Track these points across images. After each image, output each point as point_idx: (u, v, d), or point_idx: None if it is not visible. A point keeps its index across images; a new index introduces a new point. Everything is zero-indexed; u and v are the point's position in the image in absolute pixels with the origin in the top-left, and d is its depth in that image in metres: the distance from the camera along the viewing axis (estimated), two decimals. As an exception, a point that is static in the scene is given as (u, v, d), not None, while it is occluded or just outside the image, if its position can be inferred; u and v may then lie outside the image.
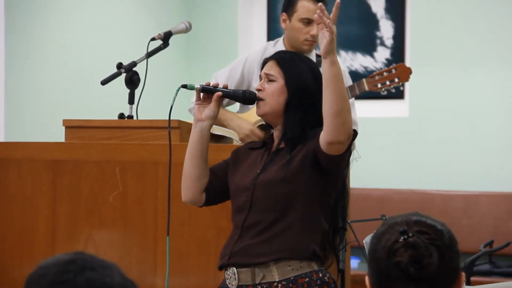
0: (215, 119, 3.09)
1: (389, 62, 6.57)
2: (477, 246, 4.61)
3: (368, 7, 6.65)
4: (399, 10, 6.57)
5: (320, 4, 2.90)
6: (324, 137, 2.84)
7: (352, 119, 2.86)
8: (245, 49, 6.78)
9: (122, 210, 3.60)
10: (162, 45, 3.84)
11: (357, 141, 4.52)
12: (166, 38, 3.84)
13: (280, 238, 2.91)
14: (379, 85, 4.01)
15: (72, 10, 6.03)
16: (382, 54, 6.61)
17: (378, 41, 6.62)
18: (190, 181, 3.10)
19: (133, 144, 3.63)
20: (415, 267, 1.90)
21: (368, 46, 6.64)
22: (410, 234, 1.92)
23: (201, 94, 3.07)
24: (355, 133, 2.91)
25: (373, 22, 6.63)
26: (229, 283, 2.97)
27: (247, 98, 3.10)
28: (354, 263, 5.98)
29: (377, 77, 4.01)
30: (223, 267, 3.01)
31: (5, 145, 4.24)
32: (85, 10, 6.13)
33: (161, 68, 5.19)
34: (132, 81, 3.71)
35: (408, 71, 4.00)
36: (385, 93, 4.11)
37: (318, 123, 2.94)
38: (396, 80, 4.01)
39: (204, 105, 3.07)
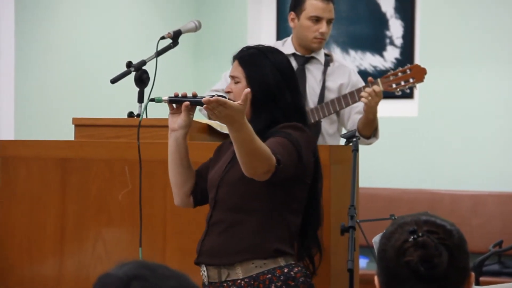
0: (189, 127, 3.10)
1: (398, 62, 6.56)
2: (486, 246, 4.60)
3: (377, 6, 6.64)
4: (408, 9, 6.55)
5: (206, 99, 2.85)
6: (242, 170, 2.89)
7: (268, 157, 2.84)
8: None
9: (131, 208, 3.60)
10: (171, 44, 3.84)
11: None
12: (175, 37, 3.84)
13: (242, 239, 2.99)
14: (394, 85, 4.01)
15: (81, 9, 6.04)
16: (392, 53, 6.60)
17: (387, 41, 6.61)
18: (175, 188, 3.18)
19: (142, 142, 3.62)
20: (425, 266, 1.90)
21: (377, 45, 6.63)
22: (420, 234, 1.91)
23: (174, 105, 3.10)
24: (280, 165, 2.89)
25: (383, 22, 6.62)
26: (203, 279, 3.08)
27: None
28: (362, 262, 5.97)
29: (391, 77, 4.01)
30: (197, 264, 3.11)
31: (14, 143, 4.25)
32: (95, 9, 6.13)
33: (170, 67, 5.18)
34: (142, 79, 3.71)
35: (423, 72, 4.00)
36: (400, 93, 4.11)
37: (283, 117, 3.01)
38: (411, 80, 4.02)
39: (177, 115, 3.09)
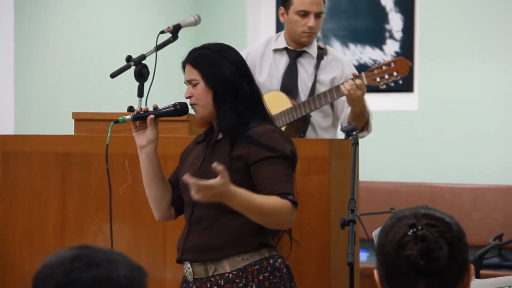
0: (157, 140, 3.15)
1: (398, 55, 6.55)
2: (486, 240, 4.61)
3: (377, 0, 6.64)
4: (408, 2, 6.55)
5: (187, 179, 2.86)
6: None
7: (279, 210, 2.93)
8: (254, 42, 6.77)
9: (131, 203, 3.60)
10: (171, 38, 3.84)
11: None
12: (175, 31, 3.84)
13: (227, 234, 3.02)
14: (378, 79, 4.00)
15: (80, 3, 6.03)
16: (391, 47, 6.60)
17: (387, 34, 6.61)
18: (155, 203, 3.21)
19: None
20: (424, 260, 1.90)
21: (377, 39, 6.63)
22: (419, 227, 1.92)
23: (137, 122, 3.13)
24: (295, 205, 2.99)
25: (382, 15, 6.61)
26: (186, 276, 3.09)
27: (178, 110, 3.18)
28: (363, 256, 5.98)
29: (376, 71, 4.00)
30: (179, 262, 3.12)
31: (15, 138, 4.25)
32: (94, 3, 6.13)
33: (170, 61, 5.16)
34: (142, 74, 3.71)
35: (407, 65, 3.98)
36: (384, 87, 4.09)
37: (247, 108, 3.06)
38: (395, 74, 3.99)
39: (142, 131, 3.13)
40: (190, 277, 3.07)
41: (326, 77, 4.24)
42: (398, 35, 6.59)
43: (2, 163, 3.92)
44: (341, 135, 4.35)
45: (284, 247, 3.22)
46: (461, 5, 6.37)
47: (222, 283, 3.01)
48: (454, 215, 2.00)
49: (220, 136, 3.09)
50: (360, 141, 3.51)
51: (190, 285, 3.08)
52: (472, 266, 1.99)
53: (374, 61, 6.63)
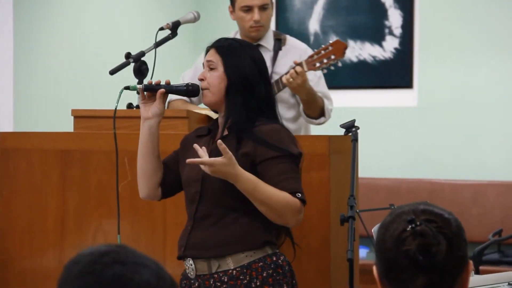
0: (162, 116, 3.15)
1: (397, 51, 6.56)
2: (486, 235, 4.60)
3: (376, -4, 6.64)
4: (407, -1, 6.56)
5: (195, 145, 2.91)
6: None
7: (289, 211, 2.97)
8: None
9: (131, 200, 3.61)
10: (170, 35, 3.85)
11: (365, 131, 4.52)
12: (174, 27, 3.84)
13: (232, 231, 3.02)
14: (318, 64, 3.98)
15: (79, 0, 6.03)
16: (391, 43, 6.60)
17: (386, 31, 6.61)
18: (145, 178, 3.19)
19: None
20: (423, 255, 1.90)
21: (376, 35, 6.63)
22: (418, 223, 1.92)
23: (145, 93, 3.13)
24: (303, 202, 3.02)
25: (382, 12, 6.61)
26: (188, 273, 3.08)
27: (190, 90, 3.17)
28: (362, 252, 5.99)
29: (315, 56, 3.98)
30: (181, 258, 3.11)
31: (14, 135, 4.25)
32: (94, 3, 6.13)
33: (169, 58, 5.17)
34: (141, 70, 3.70)
35: (343, 47, 3.95)
36: (325, 71, 4.07)
37: (258, 108, 3.06)
38: (332, 57, 3.97)
39: (149, 103, 3.13)
40: (192, 273, 3.07)
41: (284, 67, 4.19)
42: (397, 31, 6.59)
43: (2, 160, 3.92)
44: (312, 127, 4.34)
45: (284, 245, 3.22)
46: (461, 1, 6.37)
47: (226, 280, 3.01)
48: (453, 211, 2.01)
49: (226, 132, 3.08)
50: (360, 137, 3.51)
51: (192, 281, 3.07)
52: (471, 262, 1.99)
53: (374, 57, 6.63)
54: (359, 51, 6.67)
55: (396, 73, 6.58)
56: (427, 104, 6.45)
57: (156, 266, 1.69)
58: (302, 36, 6.52)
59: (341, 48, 3.96)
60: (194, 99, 4.23)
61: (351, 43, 6.67)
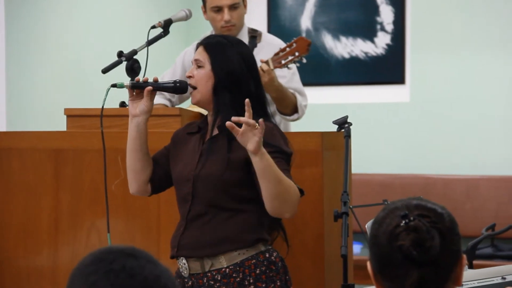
0: (150, 113, 3.14)
1: (389, 47, 6.57)
2: (479, 230, 4.61)
3: (368, -7, 6.65)
4: (399, -5, 6.57)
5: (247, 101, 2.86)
6: (268, 210, 2.97)
7: (294, 199, 2.95)
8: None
9: (124, 198, 3.61)
10: (162, 33, 3.85)
11: (359, 127, 4.52)
12: (166, 26, 3.84)
13: (225, 230, 3.02)
14: (283, 62, 3.98)
15: (71, 0, 6.03)
16: (383, 39, 6.61)
17: (378, 27, 6.62)
18: (134, 174, 3.19)
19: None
20: (417, 250, 1.91)
21: (368, 31, 6.64)
22: (411, 218, 1.93)
23: (134, 91, 3.13)
24: (302, 194, 3.01)
25: (373, 8, 6.62)
26: (181, 272, 3.09)
27: (177, 88, 3.17)
28: (356, 248, 5.99)
29: (281, 54, 3.98)
30: (174, 257, 3.12)
31: (7, 135, 4.25)
32: (86, 2, 6.12)
33: (161, 56, 5.17)
34: (133, 69, 3.70)
35: (307, 43, 3.94)
36: (291, 69, 4.07)
37: None
38: (297, 54, 3.96)
39: (137, 101, 3.13)
40: (185, 272, 3.08)
41: (259, 64, 4.20)
42: (389, 27, 6.59)
43: (-5, 160, 3.92)
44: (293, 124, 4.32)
45: (278, 241, 3.23)
46: (451, -3, 6.38)
47: (219, 278, 3.02)
48: (446, 206, 2.01)
49: (216, 131, 3.08)
50: (353, 133, 3.51)
51: (186, 280, 3.08)
52: (464, 256, 2.00)
53: (366, 53, 6.63)
54: (351, 47, 6.68)
55: (388, 69, 6.59)
56: (419, 99, 6.46)
57: (167, 268, 1.69)
58: (294, 33, 6.53)
59: (304, 45, 3.96)
60: (174, 100, 4.23)
61: (342, 39, 6.68)
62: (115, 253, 1.65)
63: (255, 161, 2.87)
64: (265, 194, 2.92)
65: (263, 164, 2.86)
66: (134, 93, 3.14)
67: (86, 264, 1.64)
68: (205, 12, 4.22)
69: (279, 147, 3.00)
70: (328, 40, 6.70)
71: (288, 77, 4.17)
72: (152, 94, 3.13)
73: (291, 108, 4.12)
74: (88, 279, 1.62)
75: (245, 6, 4.22)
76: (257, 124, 2.81)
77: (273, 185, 2.89)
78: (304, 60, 3.99)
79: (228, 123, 2.82)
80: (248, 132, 2.82)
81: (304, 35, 6.67)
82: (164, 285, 1.66)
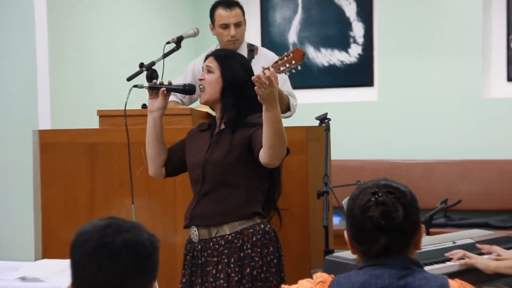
0: (164, 109, 3.17)
1: (360, 56, 6.57)
2: (434, 204, 4.63)
3: (342, 12, 6.65)
4: (368, 13, 6.57)
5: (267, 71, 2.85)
6: (261, 158, 2.94)
7: (282, 154, 2.93)
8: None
9: (146, 182, 3.62)
10: (175, 48, 3.84)
11: (337, 122, 4.51)
12: (178, 41, 3.85)
13: (229, 204, 3.04)
14: (282, 68, 3.98)
15: (104, 21, 6.03)
16: (355, 50, 6.61)
17: (351, 40, 6.62)
18: (151, 159, 3.22)
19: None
20: (385, 220, 1.93)
21: (343, 43, 6.64)
22: (380, 194, 1.95)
23: (152, 91, 3.17)
24: (288, 152, 2.98)
25: (347, 24, 6.62)
26: (192, 238, 3.12)
27: (186, 89, 3.22)
28: (336, 220, 6.00)
29: (279, 62, 3.97)
30: (187, 227, 3.14)
31: (52, 132, 4.26)
32: (115, 22, 6.13)
33: (175, 66, 5.17)
34: (152, 77, 3.70)
35: (301, 53, 3.93)
36: (288, 74, 4.08)
37: (249, 106, 3.06)
38: (293, 62, 3.96)
39: (155, 99, 3.17)
40: (196, 238, 3.10)
41: (256, 73, 4.17)
42: (360, 40, 6.60)
43: (42, 153, 3.92)
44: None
45: (272, 220, 3.23)
46: (412, 13, 6.38)
47: (223, 243, 3.05)
48: (408, 185, 2.03)
49: (223, 127, 3.11)
50: (332, 126, 3.52)
51: (196, 245, 3.11)
52: (423, 226, 2.02)
53: (341, 62, 6.64)
54: (329, 57, 6.68)
55: (359, 74, 6.59)
56: (385, 99, 6.47)
57: (142, 226, 1.71)
58: (283, 45, 6.54)
59: (299, 55, 3.96)
60: (185, 100, 4.24)
61: (322, 50, 6.68)
62: (111, 236, 1.64)
63: (265, 110, 2.84)
64: (265, 141, 2.89)
65: (268, 114, 2.84)
66: (153, 93, 3.17)
67: (90, 251, 1.66)
68: (213, 28, 4.21)
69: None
70: (311, 51, 6.70)
71: (281, 82, 4.17)
72: (166, 94, 3.16)
73: (285, 107, 4.13)
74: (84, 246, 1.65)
75: (245, 24, 4.23)
76: (266, 82, 2.80)
77: (272, 134, 2.86)
78: (299, 67, 4.00)
79: (253, 77, 2.82)
80: (259, 89, 2.81)
81: (291, 47, 6.66)
82: (153, 242, 1.67)
